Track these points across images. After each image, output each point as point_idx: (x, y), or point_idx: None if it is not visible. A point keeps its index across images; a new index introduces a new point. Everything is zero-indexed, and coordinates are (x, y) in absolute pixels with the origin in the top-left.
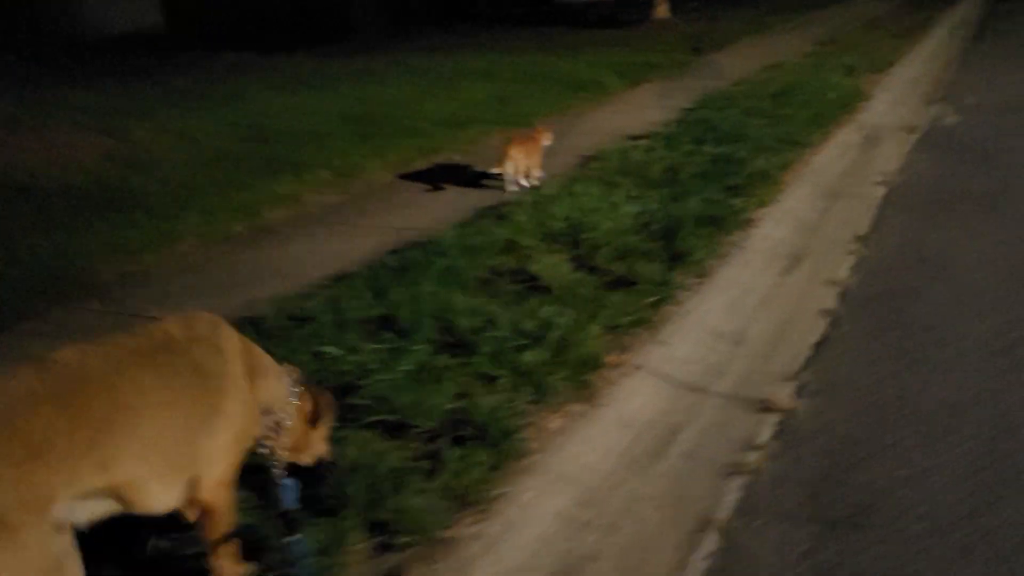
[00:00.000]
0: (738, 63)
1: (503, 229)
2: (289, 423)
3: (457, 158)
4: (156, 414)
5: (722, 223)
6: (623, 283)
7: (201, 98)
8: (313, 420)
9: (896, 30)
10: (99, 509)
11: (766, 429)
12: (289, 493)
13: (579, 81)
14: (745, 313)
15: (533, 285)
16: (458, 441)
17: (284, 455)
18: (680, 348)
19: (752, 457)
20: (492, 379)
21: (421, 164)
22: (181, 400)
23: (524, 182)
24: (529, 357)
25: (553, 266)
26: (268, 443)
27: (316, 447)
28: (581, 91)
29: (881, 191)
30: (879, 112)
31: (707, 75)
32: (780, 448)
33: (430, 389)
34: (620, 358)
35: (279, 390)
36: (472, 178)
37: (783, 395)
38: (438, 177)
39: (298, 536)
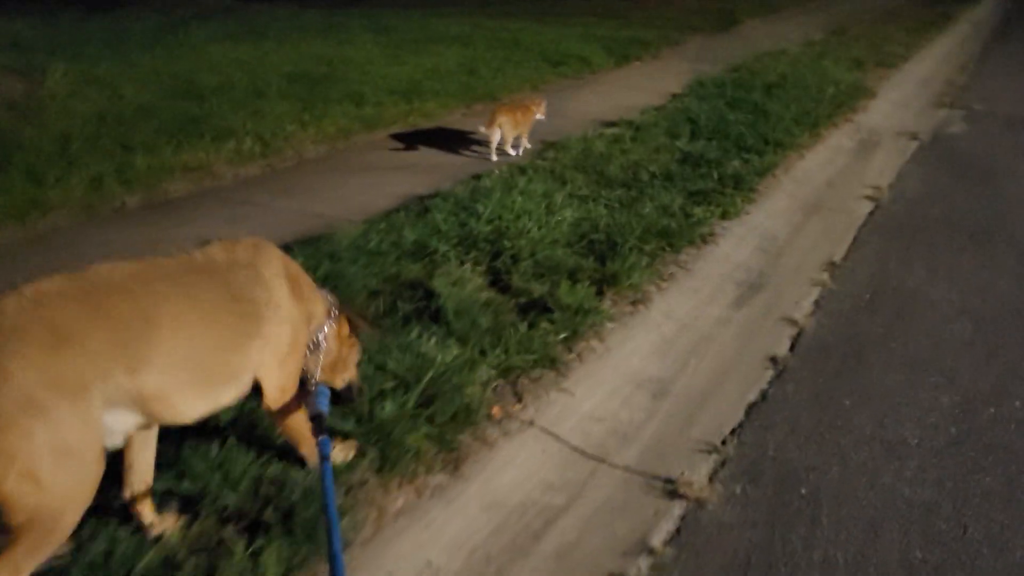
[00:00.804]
0: (738, 46)
1: (415, 230)
2: (325, 344)
3: (396, 129)
4: (183, 329)
5: (674, 237)
6: (538, 308)
7: (143, 42)
8: (349, 344)
9: (913, 23)
10: (129, 421)
11: (666, 524)
12: (323, 398)
13: (563, 55)
14: (677, 356)
15: (427, 306)
16: (254, 529)
17: (318, 374)
18: (587, 400)
19: (640, 565)
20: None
21: (362, 137)
22: (212, 320)
23: (511, 151)
24: (388, 408)
25: (458, 282)
26: (306, 360)
27: (348, 370)
28: (562, 66)
29: (866, 208)
30: (881, 113)
31: (702, 57)
32: (676, 555)
33: (236, 451)
34: (509, 410)
35: (319, 312)
36: (418, 158)
37: (696, 476)
38: (379, 153)
39: (324, 437)
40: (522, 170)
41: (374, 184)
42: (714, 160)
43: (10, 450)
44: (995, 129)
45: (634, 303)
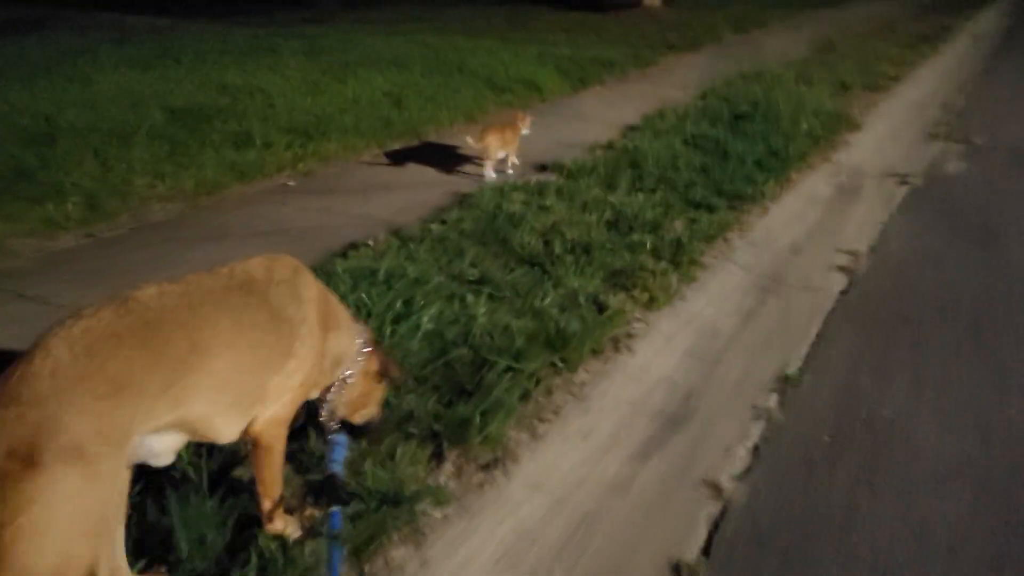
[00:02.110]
0: (713, 66)
1: None
2: (352, 380)
3: (292, 184)
4: (229, 354)
5: (571, 348)
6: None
7: (34, 71)
8: (376, 380)
9: (908, 38)
10: (170, 442)
11: None
12: (339, 452)
13: (511, 79)
14: (537, 564)
15: None
16: None
17: (341, 410)
18: None
19: None
20: None
21: (234, 190)
22: (254, 341)
23: (493, 171)
24: None
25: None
26: (330, 396)
27: (371, 408)
28: (507, 93)
29: (839, 283)
30: (867, 149)
31: (672, 80)
32: None
33: None
34: None
35: (349, 346)
36: (291, 218)
37: None
38: (247, 211)
39: (336, 510)
40: (405, 242)
41: (221, 260)
42: (651, 222)
43: (34, 495)
44: (999, 168)
45: (487, 468)
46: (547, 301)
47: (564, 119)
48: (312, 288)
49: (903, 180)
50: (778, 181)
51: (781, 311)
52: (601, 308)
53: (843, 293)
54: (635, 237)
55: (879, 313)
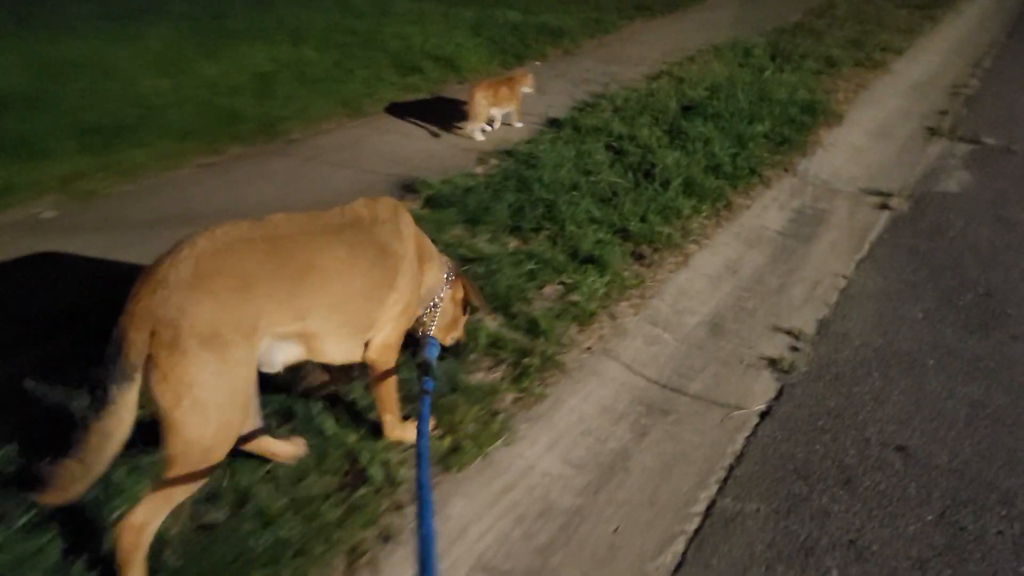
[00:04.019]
0: (681, 36)
1: None
2: (441, 306)
3: (49, 215)
4: (343, 279)
5: None
6: None
7: None
8: (462, 307)
9: (916, 1)
10: (289, 352)
11: None
12: (432, 349)
13: (427, 56)
14: None
15: None
16: None
17: (431, 331)
18: None
19: None
20: None
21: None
22: (364, 271)
23: (488, 127)
24: None
25: None
26: (424, 319)
27: (457, 330)
28: (416, 74)
29: (761, 395)
30: (844, 153)
31: (624, 54)
32: None
33: None
34: None
35: (439, 276)
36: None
37: None
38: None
39: (428, 378)
40: None
41: None
42: (505, 295)
43: (189, 379)
44: (1014, 185)
45: None
46: None
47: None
48: (410, 226)
49: (884, 203)
50: (714, 209)
51: (662, 462)
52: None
53: (764, 416)
54: (468, 339)
55: (806, 468)
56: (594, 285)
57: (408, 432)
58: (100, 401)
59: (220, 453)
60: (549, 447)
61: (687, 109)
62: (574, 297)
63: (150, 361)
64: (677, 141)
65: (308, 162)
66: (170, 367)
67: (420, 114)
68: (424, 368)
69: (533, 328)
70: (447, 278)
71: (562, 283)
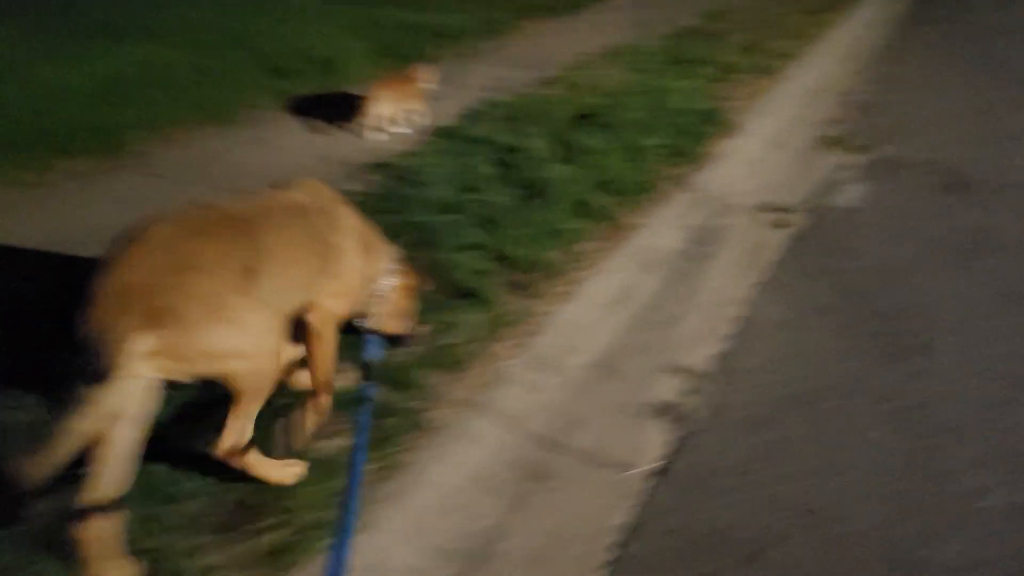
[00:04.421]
0: (575, 39)
1: None
2: (385, 295)
3: None
4: (285, 263)
5: None
6: None
7: None
8: (408, 296)
9: (812, 4)
10: None
11: None
12: (373, 348)
13: (301, 57)
14: None
15: None
16: None
17: (375, 321)
18: None
19: None
20: None
21: None
22: (304, 259)
23: (396, 129)
24: None
25: None
26: (370, 310)
27: (403, 319)
28: (290, 77)
29: (652, 446)
30: (740, 165)
31: (521, 56)
32: None
33: None
34: None
35: (382, 264)
36: None
37: None
38: None
39: (371, 383)
40: None
41: None
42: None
43: (218, 346)
44: (913, 200)
45: None
46: None
47: (335, 122)
48: (349, 217)
49: (782, 219)
50: (607, 230)
51: (542, 541)
52: None
53: (659, 476)
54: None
55: (708, 541)
56: (471, 324)
57: (327, 407)
58: (75, 403)
59: (273, 369)
60: (407, 534)
61: (582, 118)
62: (447, 339)
63: (161, 355)
64: (570, 154)
65: (155, 179)
66: (194, 353)
67: (291, 121)
68: (366, 370)
69: (398, 379)
70: (393, 268)
71: (436, 322)
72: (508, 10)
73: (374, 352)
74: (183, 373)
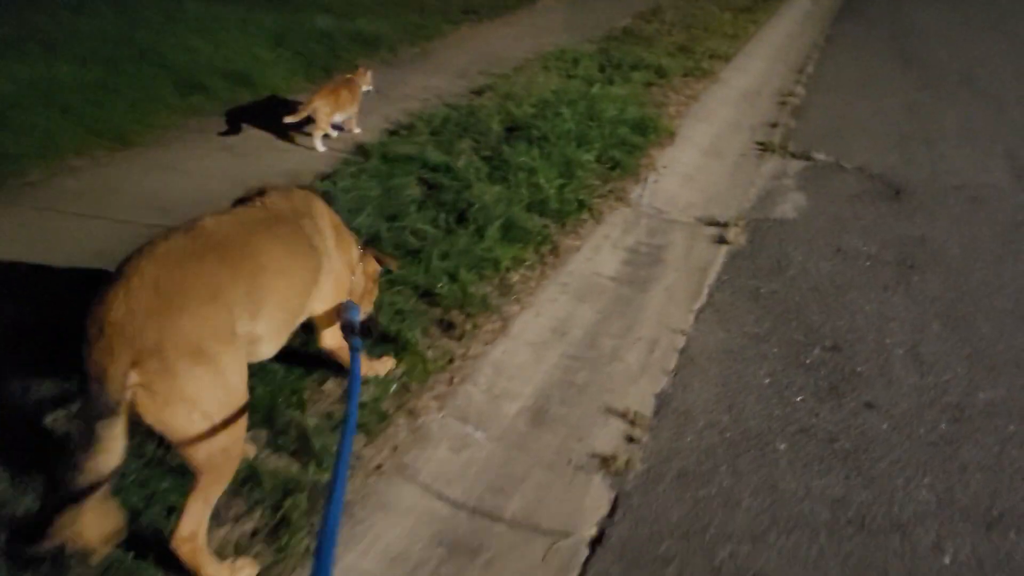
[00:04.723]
0: (504, 44)
1: None
2: (356, 279)
3: None
4: (284, 275)
5: None
6: None
7: None
8: (373, 280)
9: (743, 2)
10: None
11: None
12: (354, 312)
13: (212, 71)
14: None
15: None
16: None
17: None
18: None
19: None
20: None
21: None
22: (298, 266)
23: (334, 133)
24: None
25: None
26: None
27: (369, 304)
28: (199, 92)
29: (591, 517)
30: (678, 176)
31: (449, 63)
32: None
33: None
34: None
35: (354, 254)
36: None
37: None
38: None
39: (356, 338)
40: None
41: None
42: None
43: (191, 396)
44: (848, 210)
45: None
46: None
47: (252, 140)
48: (326, 216)
49: (721, 235)
50: (539, 256)
51: None
52: None
53: (595, 545)
54: None
55: None
56: (388, 375)
57: (379, 367)
58: (86, 440)
59: (239, 448)
60: None
61: (511, 131)
62: (361, 395)
63: (142, 391)
64: (499, 172)
65: (43, 212)
66: (169, 392)
67: (201, 141)
68: (349, 328)
69: (304, 446)
70: (359, 253)
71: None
72: (435, 15)
73: (354, 314)
74: (158, 416)
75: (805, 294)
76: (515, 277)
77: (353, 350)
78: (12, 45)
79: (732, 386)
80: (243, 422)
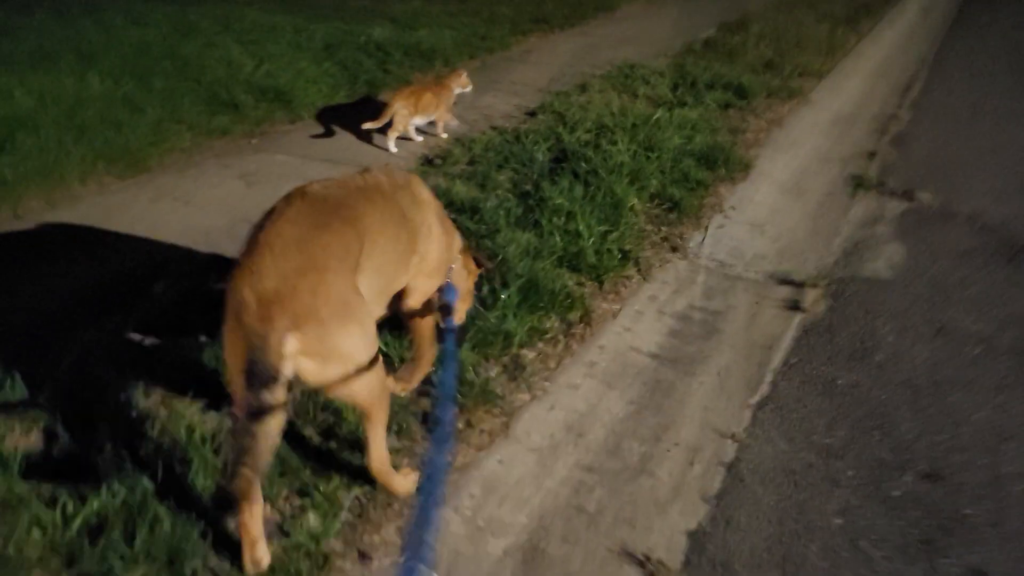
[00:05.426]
0: (572, 57)
1: None
2: (456, 274)
3: None
4: (381, 242)
5: None
6: None
7: None
8: (470, 276)
9: (844, 9)
10: None
11: None
12: (452, 294)
13: (248, 86)
14: None
15: None
16: None
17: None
18: None
19: None
20: None
21: None
22: (393, 235)
23: (417, 137)
24: None
25: None
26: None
27: (466, 303)
28: (228, 111)
29: None
30: (748, 219)
31: (510, 78)
32: None
33: None
34: None
35: (457, 243)
36: None
37: None
38: None
39: (451, 318)
40: None
41: None
42: None
43: (348, 352)
44: (957, 272)
45: None
46: None
47: (274, 167)
48: (426, 192)
49: (795, 300)
50: (564, 326)
51: None
52: None
53: None
54: None
55: None
56: (335, 505)
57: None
58: (256, 408)
59: (384, 377)
60: None
61: (558, 161)
62: (299, 535)
63: (303, 358)
64: (532, 214)
65: (34, 247)
66: (330, 352)
67: (218, 167)
68: (446, 309)
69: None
70: (462, 249)
71: (298, 491)
72: (502, 25)
73: (451, 296)
74: (321, 376)
75: (895, 391)
76: (530, 355)
77: (449, 331)
78: (49, 56)
79: (790, 527)
80: (379, 360)
